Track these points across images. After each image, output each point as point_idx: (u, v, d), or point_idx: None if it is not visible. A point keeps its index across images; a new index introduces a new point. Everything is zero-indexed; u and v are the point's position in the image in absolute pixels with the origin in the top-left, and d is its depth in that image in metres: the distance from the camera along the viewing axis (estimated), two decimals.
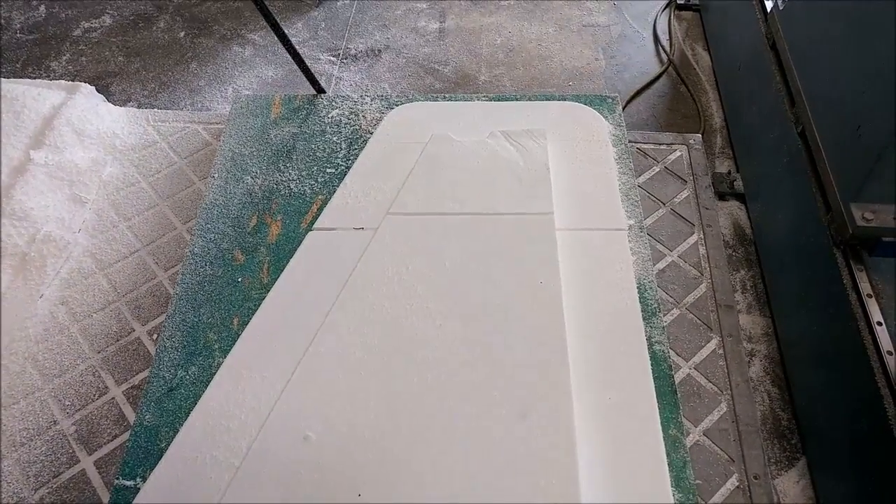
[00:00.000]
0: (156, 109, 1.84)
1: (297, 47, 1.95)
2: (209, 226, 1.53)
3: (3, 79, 1.68)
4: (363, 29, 2.87)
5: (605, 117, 1.64)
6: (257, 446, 1.18)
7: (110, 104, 1.80)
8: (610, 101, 1.68)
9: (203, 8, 3.02)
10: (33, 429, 1.32)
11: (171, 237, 1.59)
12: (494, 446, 1.14)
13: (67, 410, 1.35)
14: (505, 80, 2.60)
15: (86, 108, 1.72)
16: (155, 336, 1.43)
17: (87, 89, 1.72)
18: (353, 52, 2.81)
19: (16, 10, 2.98)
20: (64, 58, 2.81)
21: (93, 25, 2.92)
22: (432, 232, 1.41)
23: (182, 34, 2.91)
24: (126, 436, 1.31)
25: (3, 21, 2.92)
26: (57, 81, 1.74)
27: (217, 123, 1.79)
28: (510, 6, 2.92)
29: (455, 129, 1.61)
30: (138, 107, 2.02)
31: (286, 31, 2.11)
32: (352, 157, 1.61)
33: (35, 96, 1.66)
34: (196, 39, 2.89)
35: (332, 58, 2.82)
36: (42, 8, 2.97)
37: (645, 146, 1.71)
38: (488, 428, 1.16)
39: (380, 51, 2.81)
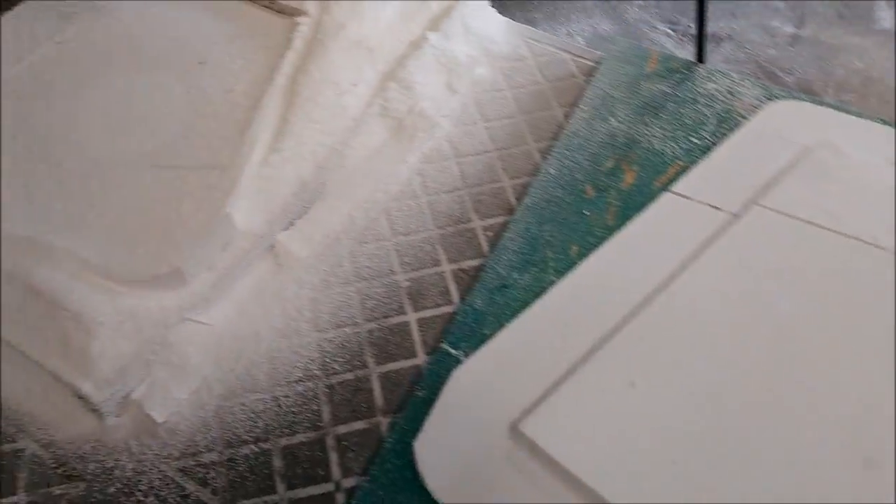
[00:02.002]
0: (531, 28, 1.97)
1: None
2: (567, 152, 1.65)
3: None
4: (710, 11, 2.84)
5: None
6: (579, 374, 1.28)
7: (494, 10, 1.96)
8: None
9: None
10: (376, 270, 1.54)
11: (521, 150, 1.73)
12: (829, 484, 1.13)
13: (404, 267, 1.55)
14: (851, 109, 2.47)
15: (476, 8, 1.90)
16: (489, 233, 1.59)
17: None
18: (693, 31, 2.79)
19: None
20: None
21: None
22: (800, 240, 1.41)
23: None
24: (447, 308, 1.49)
25: None
26: None
27: (586, 59, 1.90)
28: (883, 32, 2.73)
29: (842, 142, 1.58)
30: None
31: None
32: (719, 134, 1.65)
33: None
34: None
35: (669, 30, 2.83)
36: None
37: None
38: (825, 461, 1.15)
39: (721, 39, 2.76)
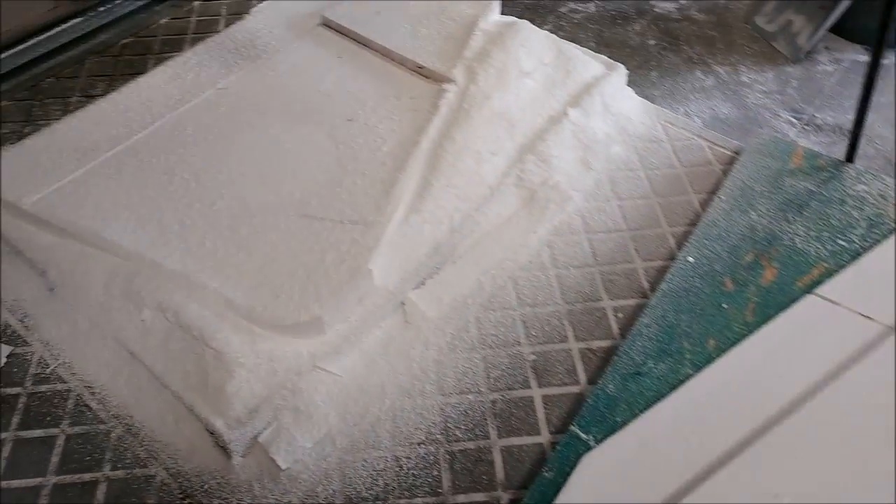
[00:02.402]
0: (667, 110, 1.99)
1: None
2: (706, 242, 1.63)
3: (561, 39, 1.95)
4: (838, 103, 2.81)
5: None
6: (718, 478, 1.24)
7: (631, 90, 1.99)
8: None
9: (679, 26, 3.19)
10: (501, 339, 1.55)
11: (655, 233, 1.73)
12: None
13: (530, 339, 1.55)
14: None
15: (616, 87, 1.94)
16: (620, 315, 1.58)
17: (621, 70, 1.94)
18: (818, 121, 2.76)
19: None
20: (546, 27, 3.19)
21: (578, 8, 3.27)
22: None
23: (652, 42, 3.11)
24: (573, 387, 1.47)
25: None
26: (599, 55, 1.97)
27: (722, 147, 1.90)
28: None
29: None
30: None
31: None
32: (869, 239, 1.61)
33: (585, 62, 1.92)
34: (663, 52, 3.07)
35: (792, 118, 2.80)
36: None
37: None
38: None
39: (849, 132, 2.72)
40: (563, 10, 3.25)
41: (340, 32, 1.97)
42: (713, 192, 1.80)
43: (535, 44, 1.90)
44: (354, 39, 1.95)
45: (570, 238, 1.73)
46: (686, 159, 1.89)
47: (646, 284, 1.64)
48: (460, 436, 1.42)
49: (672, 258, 1.68)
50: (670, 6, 3.25)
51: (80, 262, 1.54)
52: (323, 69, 1.88)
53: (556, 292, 1.64)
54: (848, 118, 2.76)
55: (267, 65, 1.90)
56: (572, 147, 1.83)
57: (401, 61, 1.88)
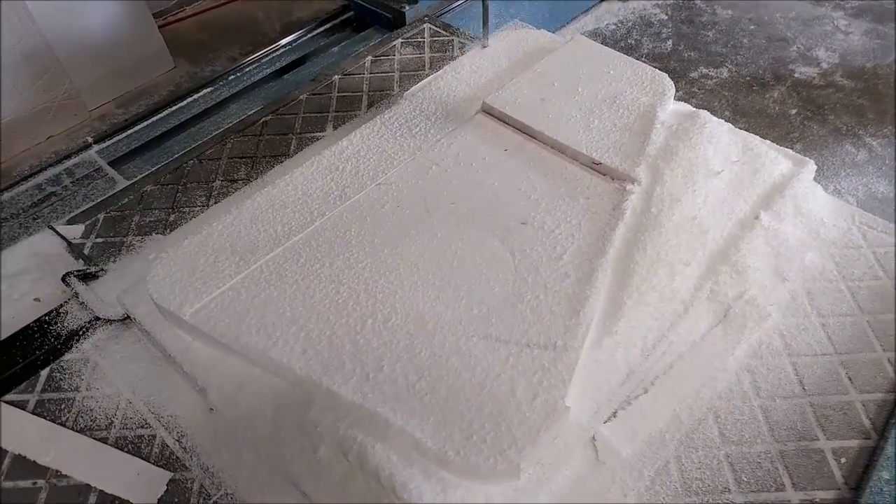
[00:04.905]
0: (863, 211, 1.80)
1: None
2: None
3: (748, 132, 1.79)
4: None
5: None
6: None
7: (821, 187, 1.81)
8: None
9: (823, 93, 2.99)
10: (707, 484, 1.38)
11: (869, 359, 1.54)
12: None
13: (741, 486, 1.37)
14: None
15: (808, 186, 1.76)
16: (842, 460, 1.39)
17: (811, 167, 1.76)
18: None
19: (647, 38, 3.31)
20: (677, 94, 3.03)
21: (710, 73, 3.10)
22: None
23: (794, 112, 2.92)
24: None
25: (633, 42, 3.27)
26: (787, 150, 1.80)
27: None
28: None
29: None
30: None
31: None
32: None
33: (772, 159, 1.75)
34: (807, 122, 2.87)
35: None
36: (670, 42, 3.26)
37: None
38: None
39: None
40: (693, 75, 3.09)
41: (503, 121, 1.85)
42: None
43: (721, 138, 1.74)
44: (519, 129, 1.83)
45: (772, 361, 1.55)
46: (891, 267, 1.69)
47: (867, 422, 1.44)
48: None
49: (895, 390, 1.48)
50: (811, 71, 3.04)
51: (246, 384, 1.43)
52: (488, 163, 1.76)
53: (764, 427, 1.45)
54: None
55: (428, 157, 1.78)
56: (765, 255, 1.65)
57: (573, 156, 1.74)
